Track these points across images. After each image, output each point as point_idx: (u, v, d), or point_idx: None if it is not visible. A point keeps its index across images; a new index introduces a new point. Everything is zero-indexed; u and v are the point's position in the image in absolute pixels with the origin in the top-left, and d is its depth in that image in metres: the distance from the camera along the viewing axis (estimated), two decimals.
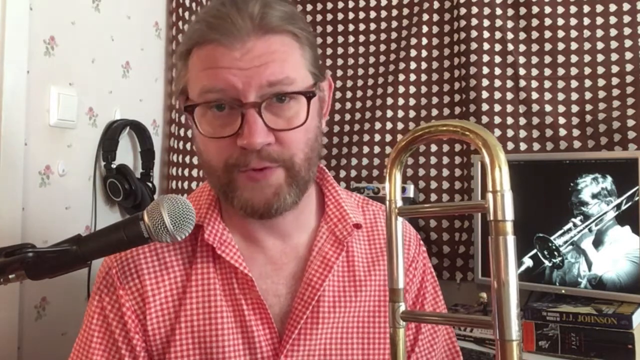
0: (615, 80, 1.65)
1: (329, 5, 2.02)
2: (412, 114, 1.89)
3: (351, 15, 2.00)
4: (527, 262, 1.57)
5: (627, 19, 1.66)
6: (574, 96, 1.69)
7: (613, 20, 1.68)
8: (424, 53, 1.87)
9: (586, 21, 1.70)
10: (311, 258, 0.83)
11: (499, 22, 1.77)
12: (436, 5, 1.87)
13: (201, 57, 0.75)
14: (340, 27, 2.01)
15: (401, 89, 1.88)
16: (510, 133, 1.74)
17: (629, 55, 1.65)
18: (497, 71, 1.76)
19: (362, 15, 1.99)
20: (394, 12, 1.95)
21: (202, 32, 0.74)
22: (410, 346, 0.87)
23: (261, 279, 0.82)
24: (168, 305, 0.81)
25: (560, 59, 1.71)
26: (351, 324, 0.83)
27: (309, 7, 2.05)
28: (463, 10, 1.78)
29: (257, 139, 0.71)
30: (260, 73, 0.72)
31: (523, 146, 1.73)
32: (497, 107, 1.75)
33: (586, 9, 1.70)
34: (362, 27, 1.99)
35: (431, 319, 0.70)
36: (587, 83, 1.68)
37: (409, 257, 0.90)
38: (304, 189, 0.80)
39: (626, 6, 1.67)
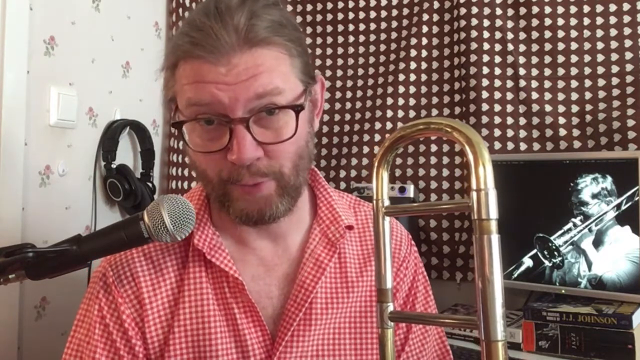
0: (615, 80, 1.64)
1: (329, 5, 2.02)
2: (412, 114, 1.88)
3: (351, 15, 1.99)
4: (527, 262, 1.57)
5: (627, 19, 1.66)
6: (574, 96, 1.69)
7: (613, 20, 1.67)
8: (424, 53, 1.87)
9: (586, 21, 1.69)
10: (304, 260, 0.83)
11: (499, 22, 1.76)
12: (436, 5, 1.86)
13: (187, 71, 0.74)
14: (340, 27, 2.01)
15: (401, 89, 1.87)
16: (510, 133, 1.74)
17: (629, 55, 1.64)
18: (497, 71, 1.76)
19: (362, 15, 1.98)
20: (394, 12, 1.94)
21: (185, 48, 0.72)
22: (400, 345, 0.87)
23: (253, 281, 0.82)
24: (165, 312, 0.81)
25: (560, 59, 1.71)
26: (343, 324, 0.83)
27: (309, 7, 2.05)
28: (463, 10, 1.78)
29: (246, 155, 0.71)
30: (247, 87, 0.70)
31: (523, 146, 1.72)
32: (497, 107, 1.74)
33: (586, 9, 1.70)
34: (362, 27, 1.98)
35: (417, 319, 0.70)
36: (587, 83, 1.68)
37: (400, 257, 0.90)
38: (296, 195, 0.80)
39: (626, 6, 1.66)
